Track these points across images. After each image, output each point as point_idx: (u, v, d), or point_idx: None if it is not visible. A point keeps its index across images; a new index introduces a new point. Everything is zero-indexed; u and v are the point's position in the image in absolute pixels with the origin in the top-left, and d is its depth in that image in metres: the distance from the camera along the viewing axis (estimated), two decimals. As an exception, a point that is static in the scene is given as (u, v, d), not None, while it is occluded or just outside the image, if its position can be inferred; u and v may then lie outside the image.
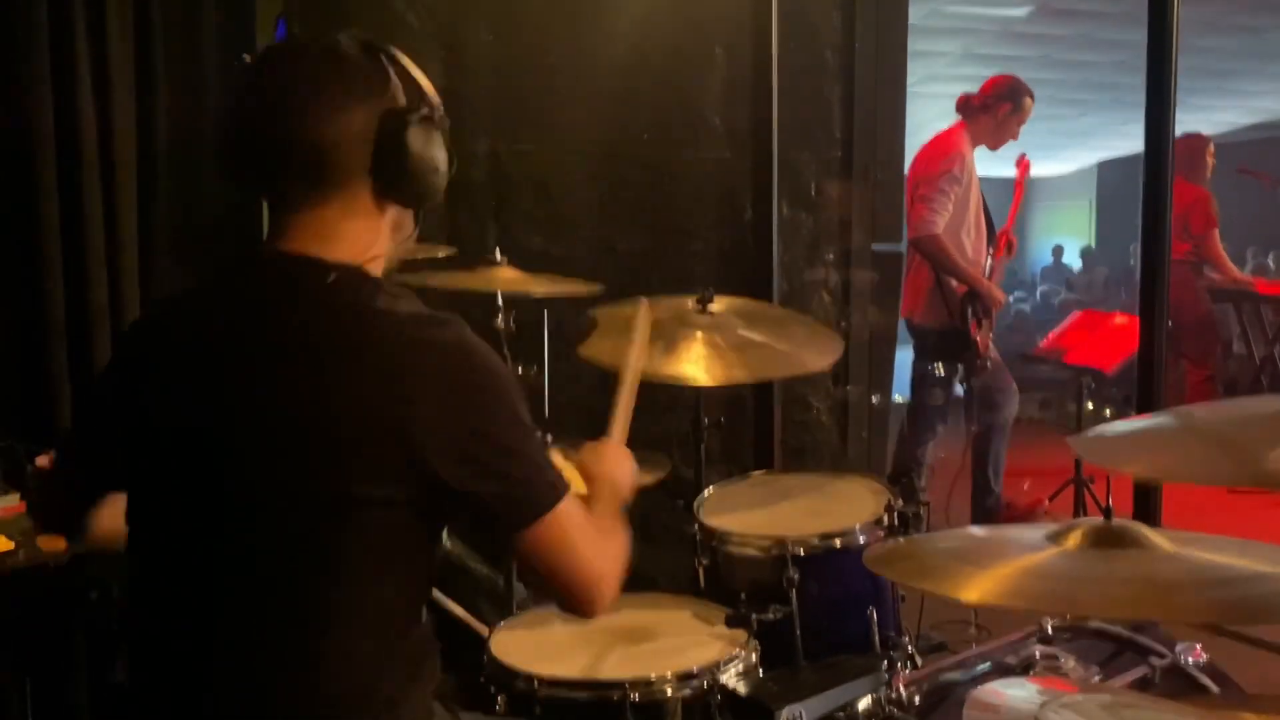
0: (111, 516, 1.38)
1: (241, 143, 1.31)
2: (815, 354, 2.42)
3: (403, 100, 1.30)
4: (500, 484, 1.25)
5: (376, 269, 1.34)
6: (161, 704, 1.29)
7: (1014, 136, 4.37)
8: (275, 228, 1.31)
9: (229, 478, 1.24)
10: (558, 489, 1.30)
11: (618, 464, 1.57)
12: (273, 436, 1.22)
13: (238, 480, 1.23)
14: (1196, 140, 5.93)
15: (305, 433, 1.20)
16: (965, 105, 4.33)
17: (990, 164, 4.39)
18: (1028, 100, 4.32)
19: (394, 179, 1.29)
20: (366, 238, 1.31)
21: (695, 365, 2.27)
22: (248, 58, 1.36)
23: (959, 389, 4.35)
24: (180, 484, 1.27)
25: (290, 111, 1.26)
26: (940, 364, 4.24)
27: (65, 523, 1.52)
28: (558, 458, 1.46)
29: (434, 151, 1.31)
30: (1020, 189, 4.57)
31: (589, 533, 1.34)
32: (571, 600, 1.34)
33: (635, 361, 1.82)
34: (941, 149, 4.24)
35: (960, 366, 4.22)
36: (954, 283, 4.18)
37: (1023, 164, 4.58)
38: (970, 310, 4.16)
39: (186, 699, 1.27)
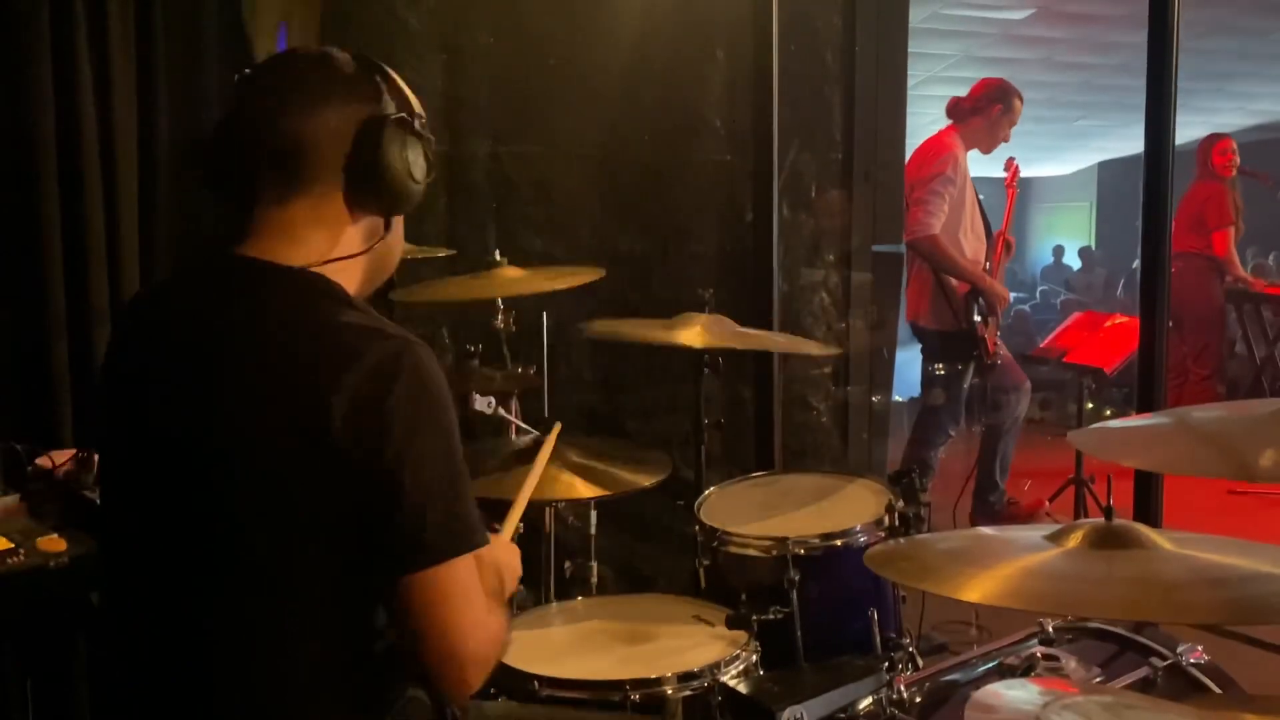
0: None
1: (224, 144, 1.31)
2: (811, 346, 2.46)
3: (385, 109, 1.29)
4: (408, 512, 1.17)
5: (348, 275, 1.31)
6: (133, 702, 1.29)
7: (1006, 139, 4.37)
8: (243, 227, 1.30)
9: (168, 488, 1.23)
10: (471, 537, 1.22)
11: (507, 553, 1.49)
12: (207, 444, 1.20)
13: (176, 491, 1.22)
14: (1210, 139, 6.12)
15: (235, 441, 1.18)
16: (955, 108, 4.33)
17: (985, 166, 4.39)
18: (1017, 101, 4.32)
19: (365, 183, 1.29)
20: (335, 242, 1.30)
21: (697, 335, 2.35)
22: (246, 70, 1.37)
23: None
24: (128, 491, 1.28)
25: (270, 108, 1.28)
26: (948, 365, 4.24)
27: None
28: None
29: (409, 160, 1.30)
30: (1012, 191, 4.57)
31: (483, 600, 1.25)
32: (442, 667, 1.22)
33: (533, 476, 1.78)
34: (934, 151, 4.24)
35: (971, 367, 4.22)
36: (955, 283, 4.19)
37: (1011, 168, 4.59)
38: (975, 309, 4.16)
39: (140, 705, 1.27)
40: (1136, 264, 10.80)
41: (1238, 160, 5.99)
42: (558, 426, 2.01)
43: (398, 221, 1.38)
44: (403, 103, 1.32)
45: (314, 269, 1.28)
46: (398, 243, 1.41)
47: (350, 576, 1.22)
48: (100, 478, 1.38)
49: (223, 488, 1.20)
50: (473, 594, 1.22)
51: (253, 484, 1.19)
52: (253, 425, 1.18)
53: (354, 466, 1.16)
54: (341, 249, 1.31)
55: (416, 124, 1.32)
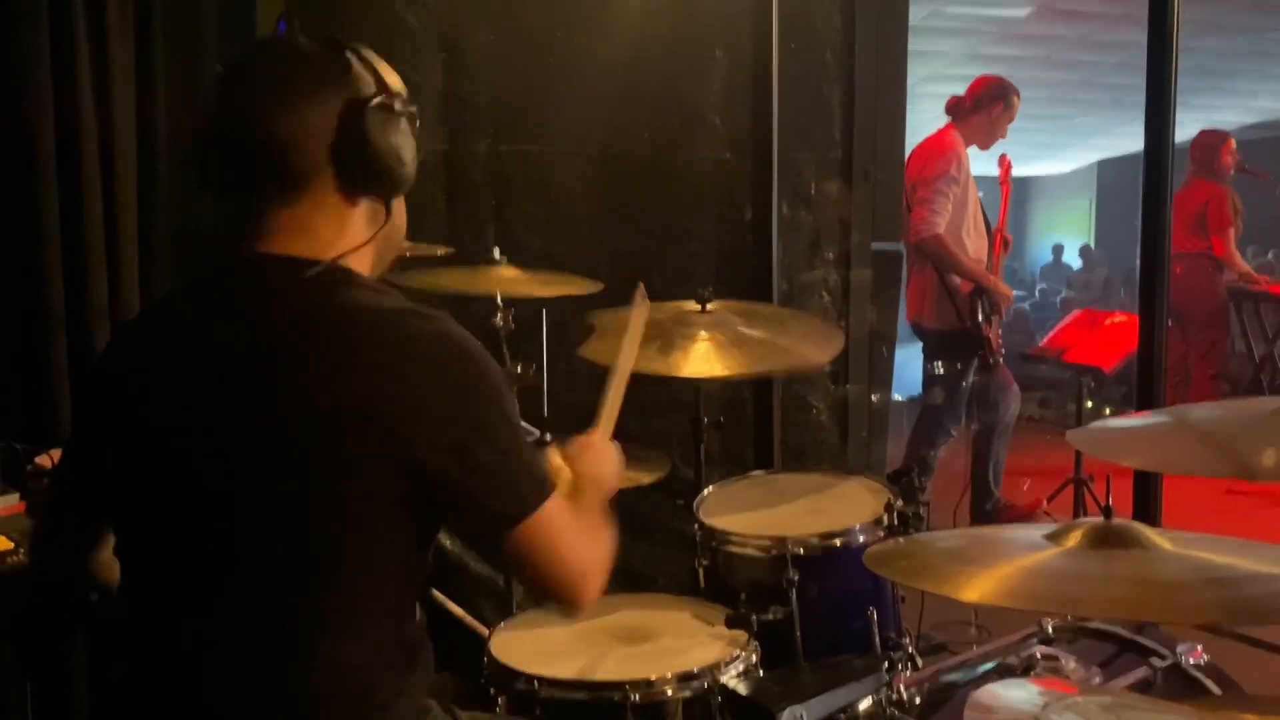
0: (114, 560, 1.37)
1: (211, 147, 1.32)
2: (815, 348, 2.42)
3: (364, 92, 1.29)
4: (486, 481, 1.25)
5: (361, 263, 1.33)
6: (154, 704, 1.29)
7: (1003, 135, 4.38)
8: (251, 228, 1.31)
9: (216, 480, 1.23)
10: (545, 488, 1.30)
11: (603, 459, 1.56)
12: (256, 439, 1.21)
13: (224, 482, 1.23)
14: (1207, 137, 5.94)
15: (287, 434, 1.20)
16: (957, 107, 4.33)
17: (978, 165, 4.39)
18: (1015, 99, 4.34)
19: (357, 170, 1.29)
20: (342, 231, 1.31)
21: (697, 361, 2.27)
22: (220, 68, 1.37)
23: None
24: (169, 488, 1.27)
25: (250, 111, 1.28)
26: (949, 364, 4.24)
27: (66, 566, 1.49)
28: (553, 456, 1.46)
29: (396, 140, 1.30)
30: (1006, 188, 4.57)
31: (575, 531, 1.34)
32: (557, 598, 1.36)
33: (628, 355, 1.77)
34: (937, 150, 4.23)
35: (973, 365, 4.21)
36: (959, 282, 4.18)
37: (1004, 163, 4.59)
38: (980, 308, 4.15)
39: (178, 699, 1.27)
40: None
41: (1234, 159, 5.95)
42: (641, 293, 1.90)
43: (398, 202, 1.39)
44: (379, 83, 1.31)
45: (330, 260, 1.28)
46: (400, 222, 1.42)
47: (389, 558, 1.25)
48: (89, 481, 1.36)
49: (256, 486, 1.21)
50: (561, 533, 1.31)
51: (288, 474, 1.20)
52: (290, 419, 1.19)
53: (407, 449, 1.19)
54: (350, 237, 1.32)
55: (397, 104, 1.31)
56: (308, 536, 1.21)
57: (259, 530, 1.22)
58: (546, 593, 1.36)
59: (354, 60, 1.31)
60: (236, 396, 1.23)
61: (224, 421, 1.23)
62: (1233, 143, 5.93)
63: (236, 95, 1.31)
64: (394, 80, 1.34)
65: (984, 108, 4.28)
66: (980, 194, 4.37)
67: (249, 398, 1.22)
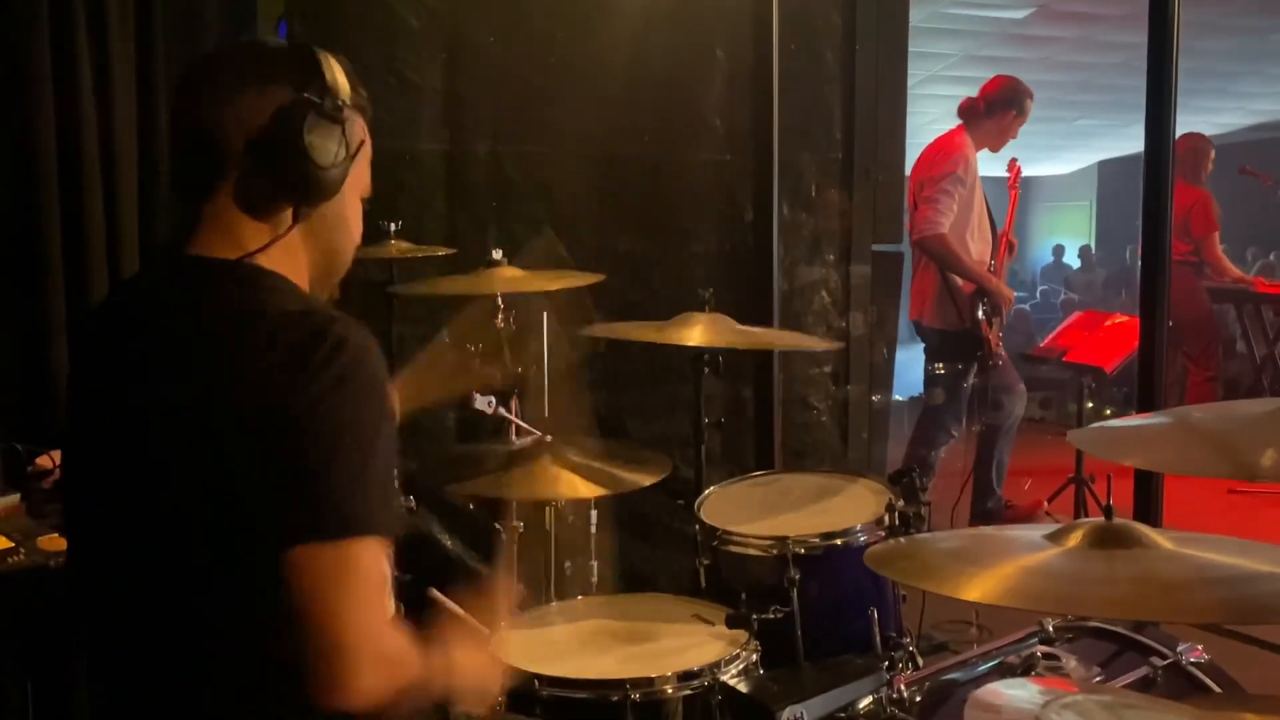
0: None
1: (170, 143, 1.32)
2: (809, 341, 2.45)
3: (299, 92, 1.25)
4: (308, 476, 1.13)
5: (284, 264, 1.29)
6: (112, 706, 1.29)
7: (1014, 136, 4.39)
8: (184, 224, 1.30)
9: (116, 486, 1.22)
10: (371, 521, 1.15)
11: (486, 671, 1.41)
12: (155, 441, 1.19)
13: (116, 490, 1.22)
14: (1195, 141, 5.91)
15: (179, 436, 1.17)
16: (970, 110, 4.32)
17: (986, 166, 4.40)
18: (1028, 102, 4.34)
19: (273, 171, 1.26)
20: (261, 230, 1.28)
21: (697, 335, 2.34)
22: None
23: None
24: (86, 486, 1.28)
25: (188, 101, 1.28)
26: (950, 364, 4.24)
27: None
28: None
29: (318, 144, 1.25)
30: (1014, 192, 4.58)
31: (380, 599, 1.19)
32: (319, 655, 1.10)
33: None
34: (945, 151, 4.24)
35: (974, 366, 4.22)
36: (961, 282, 4.19)
37: (1014, 168, 4.60)
38: (980, 309, 4.16)
39: (126, 702, 1.26)
40: (1130, 259, 10.74)
41: (1212, 163, 5.93)
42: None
43: (341, 208, 1.34)
44: (324, 86, 1.27)
45: (249, 260, 1.27)
46: (344, 231, 1.37)
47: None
48: (63, 481, 1.37)
49: (163, 483, 1.19)
50: (368, 585, 1.14)
51: (190, 476, 1.17)
52: (184, 419, 1.17)
53: (269, 437, 1.13)
54: (268, 237, 1.28)
55: (328, 103, 1.26)
56: (195, 531, 1.17)
57: (160, 535, 1.20)
58: (309, 645, 1.10)
59: (307, 65, 1.28)
60: (139, 399, 1.21)
61: (127, 424, 1.21)
62: (1211, 147, 5.91)
63: (184, 90, 1.30)
64: (341, 84, 1.29)
65: (997, 112, 4.28)
66: (986, 196, 4.38)
67: (147, 401, 1.20)
